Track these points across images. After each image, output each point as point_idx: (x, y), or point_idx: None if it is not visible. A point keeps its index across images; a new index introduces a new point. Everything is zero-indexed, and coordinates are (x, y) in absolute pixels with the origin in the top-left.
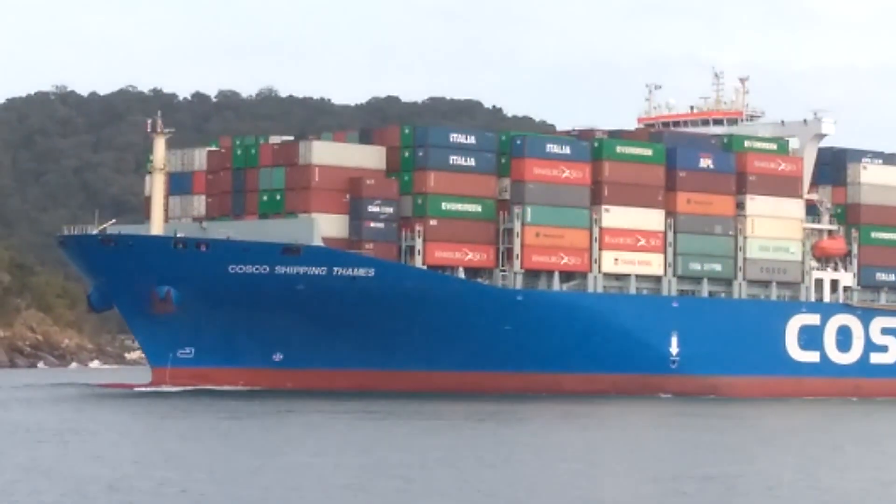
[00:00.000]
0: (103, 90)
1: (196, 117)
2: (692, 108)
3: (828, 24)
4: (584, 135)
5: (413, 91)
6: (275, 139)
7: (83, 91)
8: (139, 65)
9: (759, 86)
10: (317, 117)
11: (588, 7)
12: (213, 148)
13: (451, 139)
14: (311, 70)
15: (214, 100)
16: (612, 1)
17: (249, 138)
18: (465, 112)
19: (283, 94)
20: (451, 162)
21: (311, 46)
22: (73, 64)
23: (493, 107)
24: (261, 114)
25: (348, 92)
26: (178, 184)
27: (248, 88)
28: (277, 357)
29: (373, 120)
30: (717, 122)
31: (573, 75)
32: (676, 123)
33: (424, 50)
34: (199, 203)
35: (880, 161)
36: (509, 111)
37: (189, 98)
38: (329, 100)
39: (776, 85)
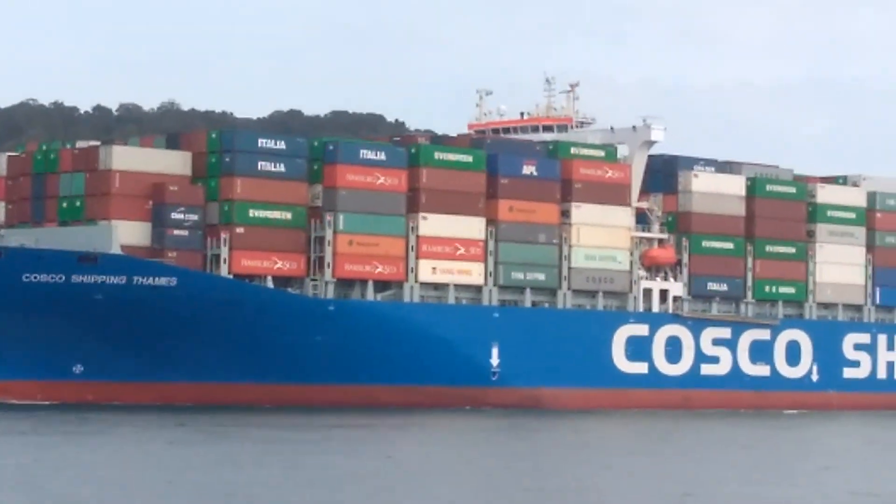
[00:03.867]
0: (3, 103)
1: (97, 131)
2: (522, 114)
3: (725, 42)
4: (406, 140)
5: (316, 105)
6: (81, 144)
7: None
8: (39, 78)
9: (659, 102)
10: None
11: (490, 22)
12: (15, 153)
13: (260, 144)
14: (214, 84)
15: (116, 113)
16: (517, 18)
17: (56, 143)
18: (369, 126)
19: (185, 107)
20: (259, 168)
21: (214, 60)
22: None
23: (396, 121)
24: (162, 127)
25: (251, 106)
26: None
27: (149, 102)
28: (77, 369)
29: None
30: (547, 128)
31: (475, 89)
32: (507, 130)
33: (327, 64)
34: None
35: (712, 169)
36: (412, 125)
37: (90, 111)
38: (231, 113)
39: (681, 100)
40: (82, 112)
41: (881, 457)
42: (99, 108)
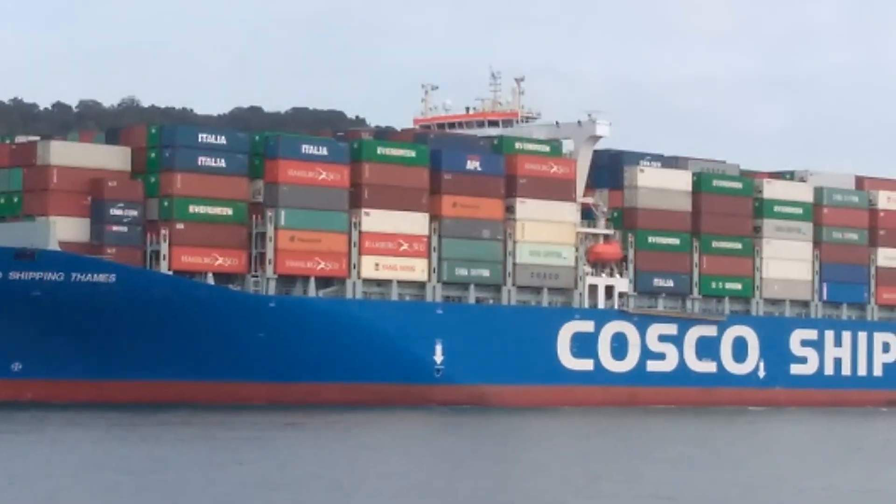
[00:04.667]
0: None
1: (57, 127)
2: (468, 109)
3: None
4: (350, 135)
5: (276, 101)
6: (21, 139)
7: None
8: None
9: (616, 96)
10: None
11: (449, 16)
12: None
13: (200, 139)
14: (174, 80)
15: (76, 110)
16: (473, 11)
17: None
18: (329, 122)
19: (146, 103)
20: (199, 163)
21: (173, 56)
22: None
23: (357, 117)
24: (123, 124)
25: (211, 102)
26: None
27: (109, 98)
28: (16, 367)
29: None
30: (493, 123)
31: (435, 84)
32: (452, 125)
33: (288, 60)
34: None
35: (658, 164)
36: (372, 121)
37: (50, 108)
38: (192, 109)
39: (639, 95)
40: (42, 109)
41: (822, 453)
42: (59, 105)
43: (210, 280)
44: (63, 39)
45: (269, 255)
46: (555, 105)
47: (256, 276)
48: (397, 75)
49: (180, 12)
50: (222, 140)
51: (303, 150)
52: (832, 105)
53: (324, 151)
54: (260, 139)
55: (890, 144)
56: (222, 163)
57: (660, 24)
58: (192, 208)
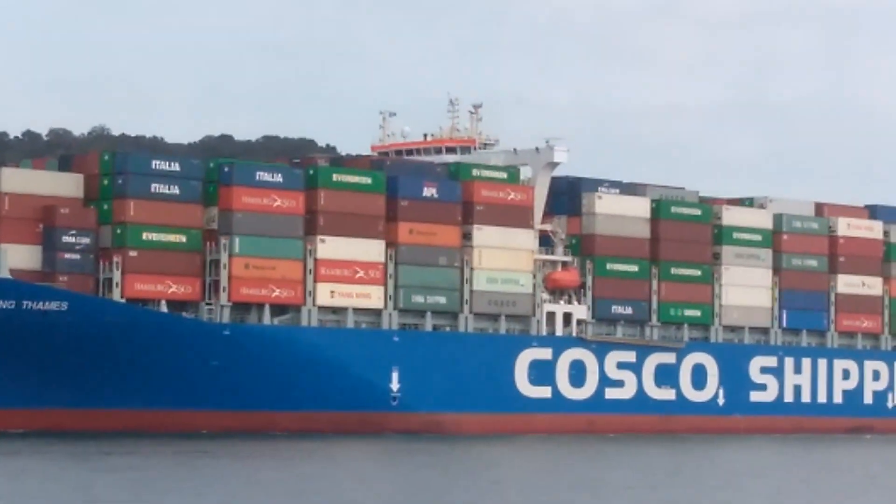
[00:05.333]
0: None
1: (27, 156)
2: (426, 135)
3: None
4: (306, 162)
5: (247, 130)
6: None
7: None
8: None
9: (586, 125)
10: None
11: (420, 45)
12: None
13: (154, 166)
14: (144, 109)
15: (46, 138)
16: (444, 40)
17: None
18: (300, 150)
19: (116, 132)
20: (153, 190)
21: (144, 84)
22: None
23: (328, 145)
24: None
25: (181, 131)
26: None
27: (80, 127)
28: None
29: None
30: (451, 150)
31: (404, 112)
32: (410, 151)
33: (259, 88)
34: None
35: (617, 191)
36: (343, 149)
37: (20, 136)
38: (162, 138)
39: (607, 123)
40: (12, 137)
41: (778, 480)
42: (28, 133)
43: (163, 308)
44: (34, 67)
45: (224, 282)
46: (520, 133)
47: (210, 304)
48: (367, 103)
49: (151, 41)
50: (176, 167)
51: (257, 177)
52: (798, 134)
53: (279, 178)
54: (214, 166)
55: (851, 172)
56: (176, 189)
57: (629, 53)
58: (146, 235)
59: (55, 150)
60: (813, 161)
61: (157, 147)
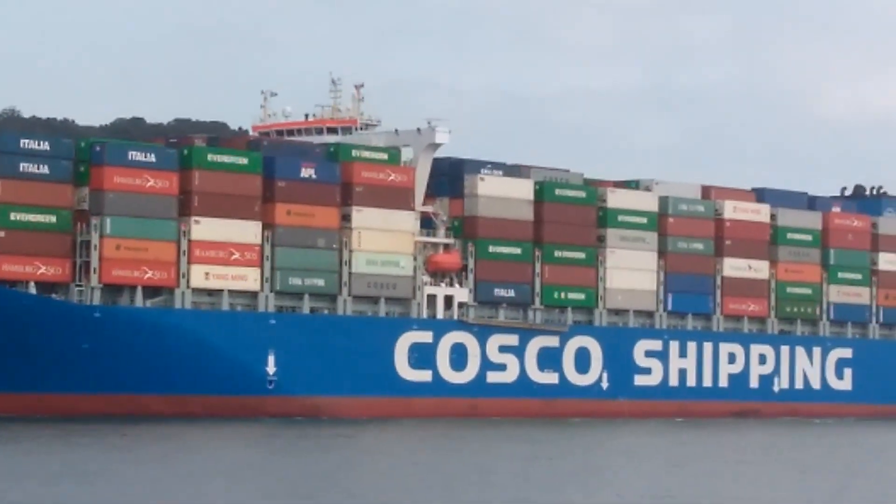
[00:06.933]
0: None
1: None
2: (307, 115)
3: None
4: (181, 142)
5: (159, 113)
6: None
7: None
8: None
9: (499, 108)
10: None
11: (334, 28)
12: None
13: (22, 145)
14: (55, 90)
15: None
16: (359, 24)
17: None
18: (212, 133)
19: (26, 114)
20: (21, 169)
21: (56, 66)
22: None
23: (240, 128)
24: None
25: (93, 113)
26: None
27: None
28: None
29: None
30: (332, 130)
31: (320, 96)
32: (290, 132)
33: (171, 71)
34: None
35: (500, 172)
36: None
37: None
38: (73, 120)
39: (520, 106)
40: None
41: (653, 463)
42: None
43: (32, 289)
44: None
45: (95, 263)
46: (435, 115)
47: (81, 286)
48: (280, 86)
49: (62, 22)
50: (45, 146)
51: (129, 157)
52: (701, 119)
53: (151, 158)
54: (85, 145)
55: (740, 156)
56: (45, 169)
57: (541, 37)
58: (14, 216)
59: None
60: (706, 146)
61: (67, 129)
